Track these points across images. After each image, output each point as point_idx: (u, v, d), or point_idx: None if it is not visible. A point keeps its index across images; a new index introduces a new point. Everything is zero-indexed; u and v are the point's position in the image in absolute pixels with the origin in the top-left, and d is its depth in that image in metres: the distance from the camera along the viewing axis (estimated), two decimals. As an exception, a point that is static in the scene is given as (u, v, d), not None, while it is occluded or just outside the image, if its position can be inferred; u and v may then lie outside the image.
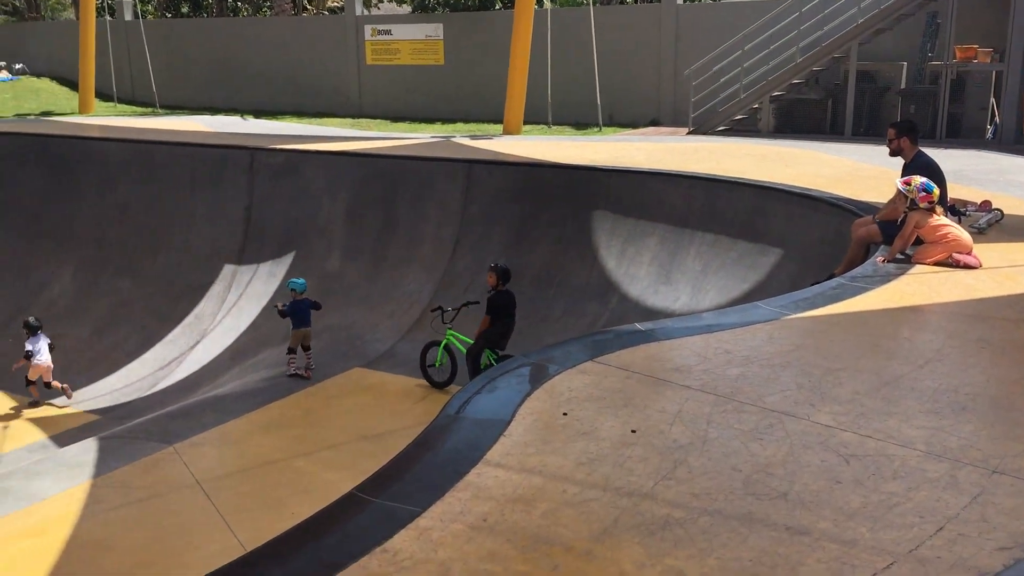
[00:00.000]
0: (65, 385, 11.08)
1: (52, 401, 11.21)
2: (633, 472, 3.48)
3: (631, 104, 19.58)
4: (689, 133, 17.11)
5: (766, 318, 5.48)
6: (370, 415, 9.01)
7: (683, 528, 3.08)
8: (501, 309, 9.12)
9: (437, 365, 9.59)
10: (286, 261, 13.02)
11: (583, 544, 3.00)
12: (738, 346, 4.92)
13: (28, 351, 10.91)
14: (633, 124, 19.27)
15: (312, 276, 11.69)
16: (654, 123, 19.41)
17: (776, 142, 15.02)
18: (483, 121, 20.26)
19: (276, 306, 10.48)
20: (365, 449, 8.11)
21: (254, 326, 12.39)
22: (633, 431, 3.84)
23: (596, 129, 18.65)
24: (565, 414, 4.04)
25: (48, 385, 11.06)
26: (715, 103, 17.33)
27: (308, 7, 31.62)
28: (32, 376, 11.04)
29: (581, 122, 19.37)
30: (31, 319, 11.33)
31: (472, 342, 9.20)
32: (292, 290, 10.33)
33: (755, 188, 10.54)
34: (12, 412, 10.98)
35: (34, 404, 11.09)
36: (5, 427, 10.54)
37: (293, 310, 10.15)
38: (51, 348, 11.16)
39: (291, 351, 10.16)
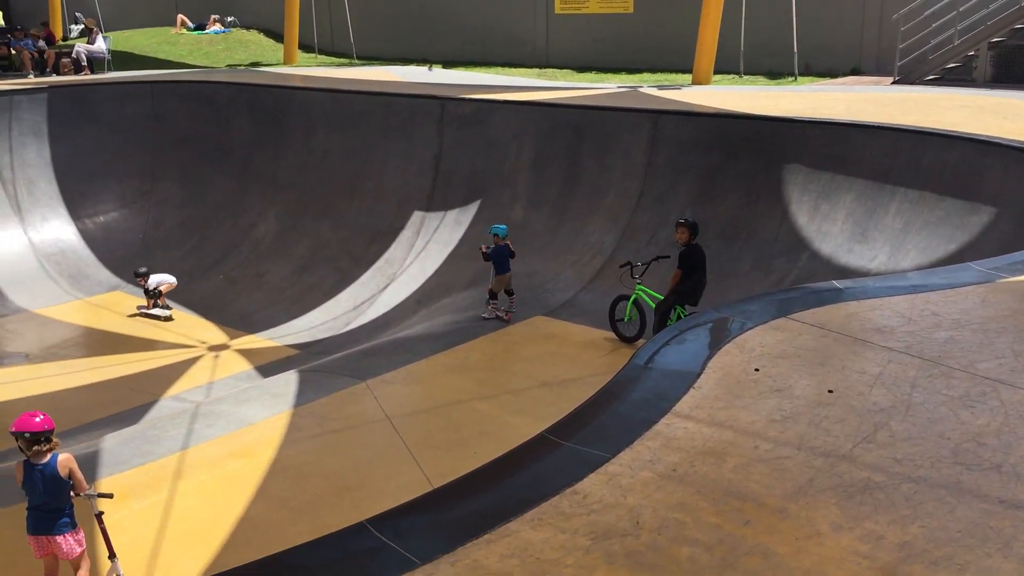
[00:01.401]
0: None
1: (257, 334, 12.19)
2: (830, 433, 3.36)
3: (830, 51, 18.53)
4: (894, 83, 16.04)
5: (978, 280, 5.12)
6: (551, 363, 9.14)
7: (884, 493, 2.95)
8: (693, 264, 8.98)
9: (626, 320, 9.60)
10: (472, 209, 13.32)
11: (776, 502, 2.94)
12: (947, 308, 4.62)
13: (158, 290, 13.02)
14: (832, 73, 18.25)
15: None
16: (855, 72, 18.31)
17: (994, 93, 13.85)
18: (671, 71, 19.76)
19: (480, 248, 10.75)
20: (546, 396, 8.26)
21: (439, 272, 12.80)
22: (830, 391, 3.71)
23: (791, 79, 17.81)
24: (757, 370, 3.95)
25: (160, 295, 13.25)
26: (925, 50, 16.13)
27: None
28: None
29: (775, 71, 18.54)
30: (139, 269, 13.27)
31: (662, 298, 9.13)
32: (495, 235, 10.59)
33: (967, 141, 9.79)
34: (224, 344, 11.97)
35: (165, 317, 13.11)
36: (217, 356, 11.48)
37: (495, 254, 10.43)
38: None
39: (492, 296, 10.46)
